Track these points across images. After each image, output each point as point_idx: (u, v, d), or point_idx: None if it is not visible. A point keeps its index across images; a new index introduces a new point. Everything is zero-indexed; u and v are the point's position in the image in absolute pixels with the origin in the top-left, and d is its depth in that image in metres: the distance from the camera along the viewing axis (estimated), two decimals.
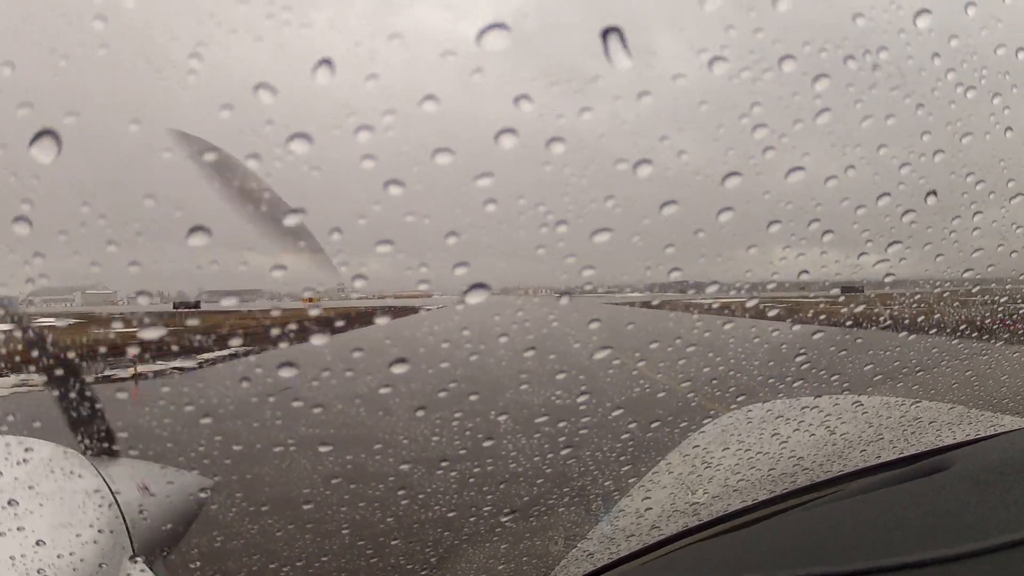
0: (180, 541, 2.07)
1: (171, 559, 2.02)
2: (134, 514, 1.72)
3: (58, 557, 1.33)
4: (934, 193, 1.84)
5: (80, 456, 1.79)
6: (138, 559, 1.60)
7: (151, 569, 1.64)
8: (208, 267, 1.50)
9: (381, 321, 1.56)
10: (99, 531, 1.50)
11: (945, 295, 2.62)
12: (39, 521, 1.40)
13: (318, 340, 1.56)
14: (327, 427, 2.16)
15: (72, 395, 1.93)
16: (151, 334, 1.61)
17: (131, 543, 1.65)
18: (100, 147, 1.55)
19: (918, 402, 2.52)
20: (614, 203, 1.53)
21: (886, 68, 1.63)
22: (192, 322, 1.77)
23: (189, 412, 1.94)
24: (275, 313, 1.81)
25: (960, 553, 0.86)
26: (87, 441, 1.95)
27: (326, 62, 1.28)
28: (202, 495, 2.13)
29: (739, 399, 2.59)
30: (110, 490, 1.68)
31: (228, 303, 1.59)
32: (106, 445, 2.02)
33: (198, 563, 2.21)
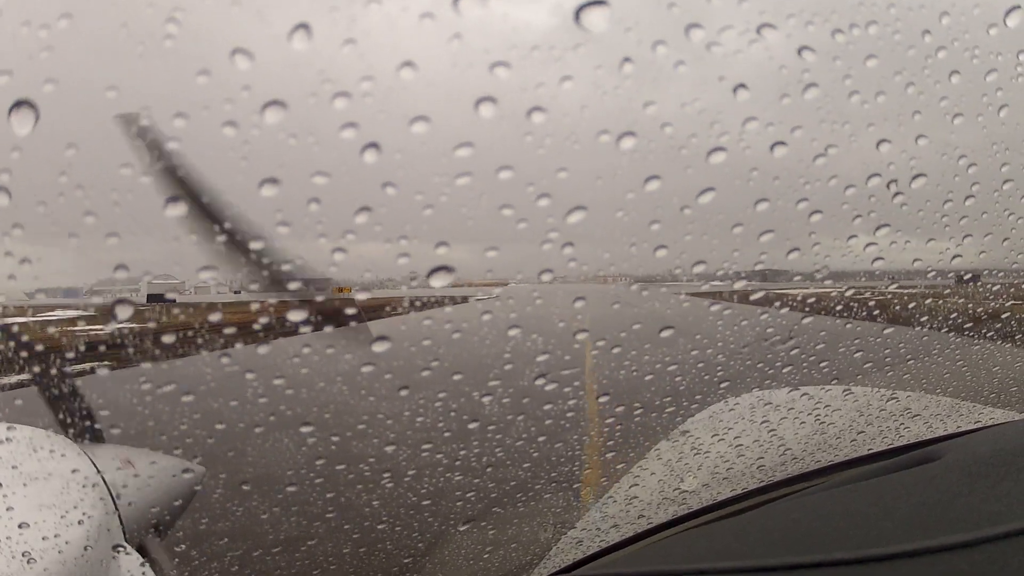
0: (171, 525, 2.05)
1: (159, 543, 2.00)
2: (118, 496, 1.70)
3: (43, 539, 1.31)
4: (923, 175, 1.82)
5: (63, 437, 1.77)
6: (124, 545, 1.58)
7: (139, 553, 1.62)
8: (186, 238, 1.48)
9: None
10: (83, 512, 1.47)
11: (936, 282, 2.60)
12: (22, 502, 1.38)
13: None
14: (309, 406, 2.15)
15: (53, 380, 1.91)
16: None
17: (120, 524, 1.63)
18: (78, 115, 1.53)
19: (909, 393, 2.51)
20: (597, 176, 1.51)
21: (875, 44, 1.61)
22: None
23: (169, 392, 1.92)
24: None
25: (950, 544, 0.85)
26: (71, 422, 1.94)
27: (303, 27, 1.26)
28: (186, 476, 2.11)
29: (723, 385, 2.58)
30: (97, 470, 1.67)
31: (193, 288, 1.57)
32: (89, 425, 2.00)
33: (183, 546, 2.19)
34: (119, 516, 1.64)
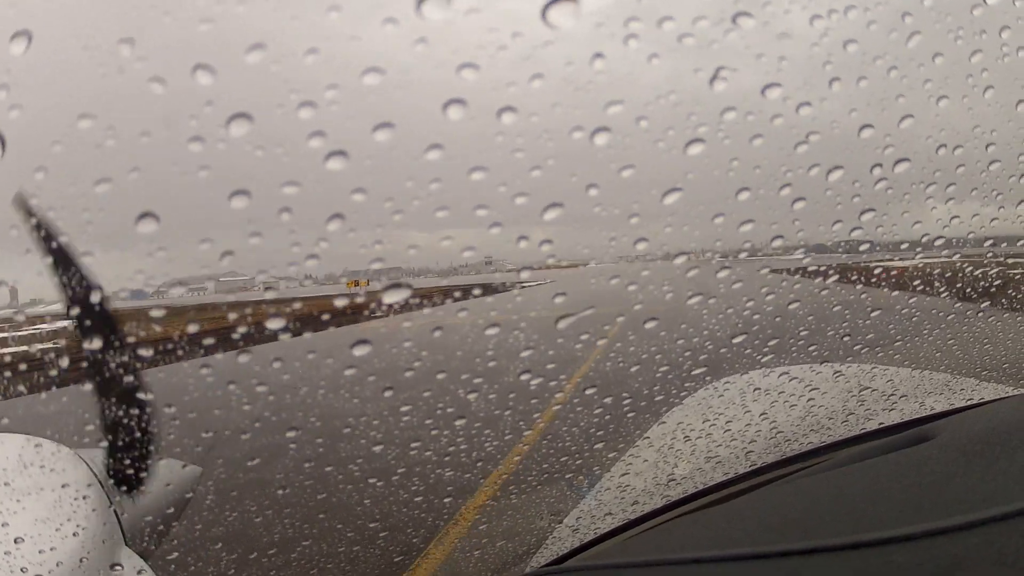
0: (166, 532, 2.05)
1: (154, 550, 2.00)
2: (114, 504, 1.69)
3: (39, 553, 1.31)
4: (907, 160, 1.80)
5: (55, 446, 1.75)
6: (120, 563, 1.58)
7: (139, 557, 1.62)
8: (157, 254, 1.46)
9: None
10: (77, 524, 1.47)
11: (923, 263, 2.58)
12: (16, 517, 1.37)
13: None
14: (294, 411, 2.14)
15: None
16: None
17: (121, 531, 1.63)
18: (42, 139, 1.50)
19: (900, 371, 2.50)
20: (572, 173, 1.48)
21: (855, 28, 1.58)
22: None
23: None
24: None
25: (946, 526, 0.83)
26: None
27: (264, 38, 1.23)
28: (180, 481, 2.10)
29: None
30: (96, 476, 1.66)
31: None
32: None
33: (176, 554, 2.18)
34: (120, 524, 1.64)
